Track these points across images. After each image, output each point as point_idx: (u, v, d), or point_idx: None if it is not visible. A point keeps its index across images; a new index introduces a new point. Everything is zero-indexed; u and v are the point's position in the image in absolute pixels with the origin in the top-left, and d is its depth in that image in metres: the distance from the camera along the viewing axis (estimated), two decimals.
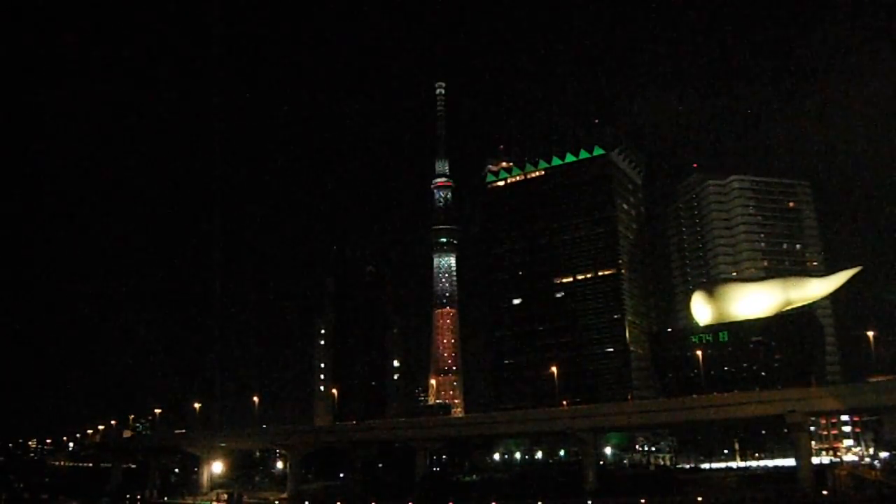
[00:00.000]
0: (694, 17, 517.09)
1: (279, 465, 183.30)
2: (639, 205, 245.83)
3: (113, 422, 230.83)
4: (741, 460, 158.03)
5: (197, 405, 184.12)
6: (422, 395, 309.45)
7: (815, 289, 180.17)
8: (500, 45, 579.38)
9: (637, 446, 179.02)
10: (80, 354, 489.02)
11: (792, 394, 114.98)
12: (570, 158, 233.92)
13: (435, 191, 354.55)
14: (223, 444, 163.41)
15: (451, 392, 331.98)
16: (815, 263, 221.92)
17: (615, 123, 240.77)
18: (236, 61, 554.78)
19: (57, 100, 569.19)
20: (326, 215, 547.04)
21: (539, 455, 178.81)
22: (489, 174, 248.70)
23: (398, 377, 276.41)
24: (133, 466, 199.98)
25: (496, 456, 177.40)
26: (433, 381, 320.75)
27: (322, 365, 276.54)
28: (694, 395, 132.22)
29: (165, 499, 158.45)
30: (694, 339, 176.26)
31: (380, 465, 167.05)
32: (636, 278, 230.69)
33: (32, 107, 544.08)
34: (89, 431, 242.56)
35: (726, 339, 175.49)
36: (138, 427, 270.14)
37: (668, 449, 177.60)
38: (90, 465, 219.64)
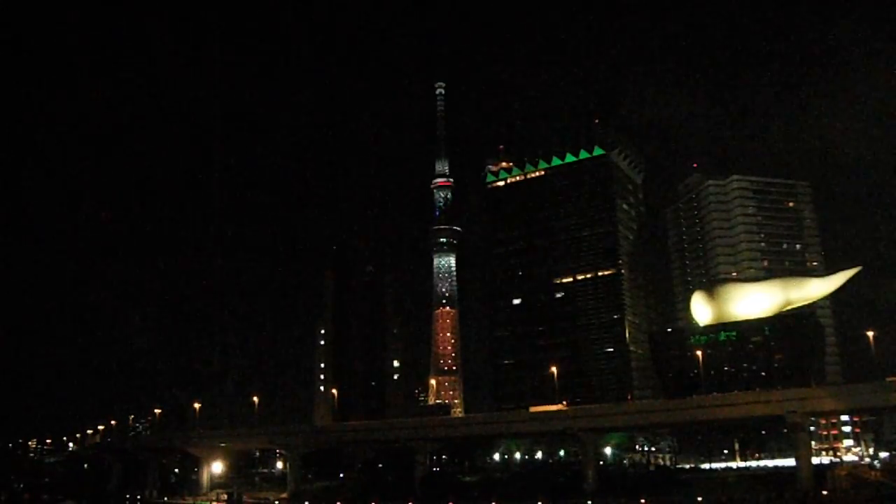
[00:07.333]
0: (694, 17, 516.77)
1: (279, 465, 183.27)
2: (639, 205, 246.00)
3: (113, 422, 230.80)
4: (741, 460, 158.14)
5: (197, 405, 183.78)
6: (422, 395, 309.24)
7: (815, 289, 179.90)
8: (499, 45, 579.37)
9: (637, 446, 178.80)
10: (80, 355, 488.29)
11: (792, 394, 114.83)
12: (570, 158, 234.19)
13: (435, 191, 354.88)
14: (223, 444, 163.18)
15: (451, 392, 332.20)
16: (815, 263, 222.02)
17: (615, 123, 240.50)
18: (236, 60, 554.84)
19: (58, 99, 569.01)
20: (326, 215, 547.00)
21: (539, 455, 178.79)
22: (489, 174, 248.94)
23: (398, 377, 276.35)
24: (133, 467, 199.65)
25: (496, 456, 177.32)
26: (433, 381, 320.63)
27: (322, 365, 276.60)
28: (694, 395, 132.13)
29: (165, 499, 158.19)
30: (694, 340, 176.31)
31: (380, 465, 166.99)
32: (636, 278, 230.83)
33: (32, 106, 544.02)
34: (89, 431, 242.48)
35: (726, 339, 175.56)
36: (138, 427, 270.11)
37: (668, 449, 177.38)
38: (90, 465, 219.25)
